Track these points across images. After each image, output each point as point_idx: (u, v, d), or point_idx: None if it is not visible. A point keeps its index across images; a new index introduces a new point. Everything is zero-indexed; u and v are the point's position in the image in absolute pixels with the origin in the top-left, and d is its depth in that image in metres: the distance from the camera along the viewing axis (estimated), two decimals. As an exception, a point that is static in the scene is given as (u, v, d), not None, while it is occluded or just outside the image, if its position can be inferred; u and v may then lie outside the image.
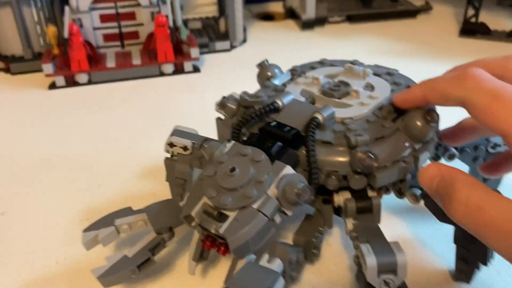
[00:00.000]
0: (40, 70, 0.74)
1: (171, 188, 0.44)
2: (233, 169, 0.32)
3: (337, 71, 0.43)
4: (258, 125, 0.37)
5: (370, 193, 0.36)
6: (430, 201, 0.37)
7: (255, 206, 0.31)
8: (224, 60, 0.83)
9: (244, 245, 0.31)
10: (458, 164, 0.41)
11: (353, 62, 0.44)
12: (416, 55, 0.83)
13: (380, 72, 0.42)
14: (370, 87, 0.40)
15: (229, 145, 0.34)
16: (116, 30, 0.78)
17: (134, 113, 0.66)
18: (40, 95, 0.72)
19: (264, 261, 0.32)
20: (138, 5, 0.77)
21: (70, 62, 0.73)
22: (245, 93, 0.39)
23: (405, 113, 0.35)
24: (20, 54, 0.79)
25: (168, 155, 0.42)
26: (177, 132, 0.42)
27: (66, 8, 0.71)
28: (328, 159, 0.34)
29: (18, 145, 0.60)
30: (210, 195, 0.32)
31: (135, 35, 0.80)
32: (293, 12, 1.00)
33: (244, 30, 0.90)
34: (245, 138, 0.36)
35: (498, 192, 0.30)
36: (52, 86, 0.74)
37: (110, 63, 0.75)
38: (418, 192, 0.37)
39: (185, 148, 0.41)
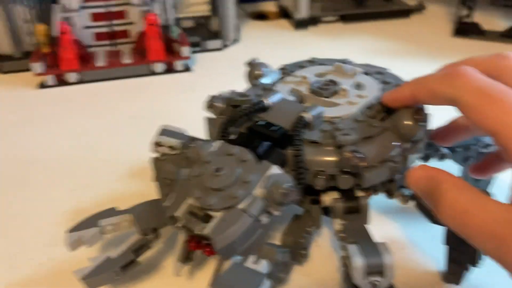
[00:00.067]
0: (29, 69, 0.73)
1: (158, 188, 0.43)
2: (219, 169, 0.31)
3: (326, 70, 0.42)
4: (245, 124, 0.36)
5: (358, 193, 0.35)
6: (420, 202, 0.37)
7: (241, 206, 0.31)
8: (216, 59, 0.83)
9: (229, 246, 0.30)
10: (450, 165, 0.40)
11: (343, 61, 0.44)
12: (409, 55, 0.82)
13: (370, 71, 0.42)
14: (359, 86, 0.40)
15: (215, 144, 0.34)
16: (106, 29, 0.78)
17: (124, 113, 0.65)
18: (30, 94, 0.72)
19: (250, 262, 0.31)
20: (129, 3, 0.76)
21: (60, 61, 0.72)
22: (233, 91, 0.39)
23: (394, 112, 0.35)
24: (9, 53, 0.78)
25: (155, 155, 0.42)
26: (164, 131, 0.42)
27: (56, 7, 0.70)
28: (316, 158, 0.34)
29: (6, 145, 0.59)
30: (196, 196, 0.31)
31: (126, 34, 0.79)
32: (287, 12, 0.99)
33: (237, 29, 0.90)
34: (232, 138, 0.36)
35: (487, 193, 0.30)
36: (42, 85, 0.73)
37: (101, 62, 0.74)
38: (408, 192, 0.36)
39: (172, 147, 0.41)
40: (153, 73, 0.76)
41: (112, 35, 0.79)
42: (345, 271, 0.32)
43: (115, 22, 0.77)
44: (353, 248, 0.30)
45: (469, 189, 0.26)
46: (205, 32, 0.88)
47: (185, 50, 0.76)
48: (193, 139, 0.39)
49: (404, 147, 0.34)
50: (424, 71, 0.32)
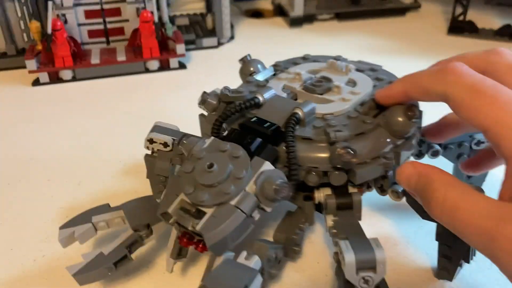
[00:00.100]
0: (23, 67, 0.73)
1: (151, 185, 0.43)
2: (211, 165, 0.31)
3: (319, 67, 0.42)
4: (238, 120, 0.36)
5: (351, 190, 0.35)
6: (412, 199, 0.37)
7: (233, 202, 0.30)
8: (211, 57, 0.83)
9: (221, 242, 0.30)
10: (443, 161, 0.40)
11: (336, 58, 0.44)
12: (404, 53, 0.82)
13: (363, 68, 0.42)
14: (352, 82, 0.40)
15: (208, 141, 0.34)
16: (101, 26, 0.77)
17: (118, 110, 0.65)
18: (24, 92, 0.71)
19: (242, 258, 0.31)
20: (123, 1, 0.76)
21: (54, 58, 0.72)
22: (226, 88, 0.39)
23: (387, 109, 0.35)
24: (3, 50, 0.78)
25: (148, 152, 0.42)
26: (157, 128, 0.41)
27: (50, 3, 0.70)
28: (308, 155, 0.34)
29: (0, 142, 0.59)
30: (188, 192, 0.31)
31: (120, 31, 0.79)
32: (282, 9, 0.99)
33: (232, 27, 0.90)
34: (225, 134, 0.36)
35: (479, 189, 0.30)
36: (36, 82, 0.73)
37: (95, 59, 0.74)
38: (400, 189, 0.36)
39: (165, 144, 0.40)
40: (148, 71, 0.76)
41: (106, 33, 0.78)
42: (337, 267, 0.32)
43: (109, 19, 0.77)
44: (345, 244, 0.30)
45: (459, 185, 0.26)
46: (200, 30, 0.87)
47: (180, 48, 0.76)
48: (185, 135, 0.39)
49: (396, 143, 0.34)
50: (419, 69, 0.32)
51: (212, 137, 0.34)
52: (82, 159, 0.54)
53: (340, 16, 0.98)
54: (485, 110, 0.25)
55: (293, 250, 0.37)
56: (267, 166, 0.32)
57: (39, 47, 0.74)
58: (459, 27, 0.89)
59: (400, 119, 0.33)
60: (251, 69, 0.43)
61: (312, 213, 0.37)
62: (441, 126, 0.37)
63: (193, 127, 0.43)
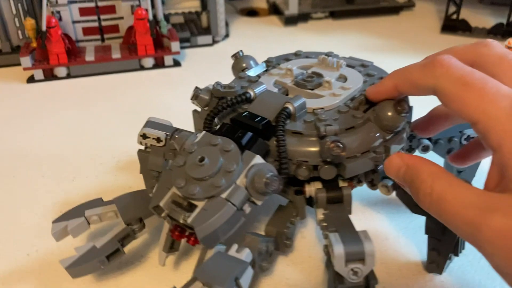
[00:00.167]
0: (18, 64, 0.73)
1: (145, 180, 0.43)
2: (202, 159, 0.32)
3: (311, 63, 0.43)
4: (230, 115, 0.37)
5: (341, 184, 0.36)
6: (402, 192, 0.37)
7: (223, 195, 0.31)
8: (206, 55, 0.83)
9: (212, 235, 0.30)
10: (434, 157, 0.41)
11: (328, 54, 0.44)
12: (398, 51, 0.83)
13: (354, 64, 0.42)
14: (343, 78, 0.40)
15: (199, 135, 0.34)
16: (95, 24, 0.78)
17: (113, 107, 0.66)
18: (18, 89, 0.71)
19: (233, 251, 0.32)
20: (118, -2, 0.77)
21: (49, 55, 0.72)
22: (218, 83, 0.39)
23: (377, 103, 0.35)
24: (-2, 47, 0.78)
25: (142, 147, 0.42)
26: (150, 123, 0.42)
27: (44, 1, 0.70)
28: (299, 149, 0.34)
29: (-7, 138, 0.59)
30: (179, 185, 0.31)
31: (115, 28, 0.79)
32: (277, 8, 0.99)
33: (227, 25, 0.90)
34: (216, 128, 0.36)
35: (467, 180, 0.31)
36: (31, 79, 0.73)
37: (89, 56, 0.74)
38: (390, 183, 0.37)
39: (158, 139, 0.41)
40: (143, 68, 0.76)
41: (101, 30, 0.78)
42: (327, 259, 0.33)
43: (104, 16, 0.77)
44: (334, 236, 0.31)
45: (445, 176, 0.26)
46: (195, 28, 0.88)
47: (175, 45, 0.76)
48: (178, 130, 0.40)
49: (386, 138, 0.35)
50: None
51: (204, 132, 0.34)
52: (76, 155, 0.55)
53: (335, 15, 0.99)
54: (474, 103, 0.25)
55: (285, 244, 0.37)
56: (258, 159, 0.32)
57: (34, 44, 0.74)
58: (453, 25, 0.90)
59: (389, 113, 0.34)
60: (243, 65, 0.43)
61: (303, 207, 0.37)
62: (430, 119, 0.37)
63: (187, 124, 0.43)
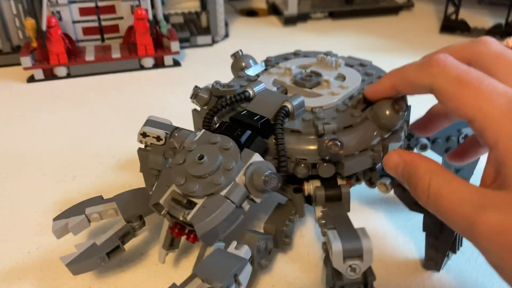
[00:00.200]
0: (18, 64, 0.73)
1: (145, 178, 0.43)
2: (201, 157, 0.32)
3: (310, 62, 0.43)
4: (229, 114, 0.37)
5: (340, 182, 0.36)
6: (400, 191, 0.38)
7: (222, 193, 0.31)
8: (206, 55, 0.83)
9: (211, 232, 0.31)
10: (432, 156, 0.41)
11: (326, 53, 0.44)
12: (397, 51, 0.83)
13: (353, 63, 0.43)
14: (341, 77, 0.40)
15: (199, 133, 0.34)
16: (95, 24, 0.78)
17: (113, 107, 0.66)
18: (19, 89, 0.72)
19: (232, 248, 0.32)
20: (118, -2, 0.77)
21: (49, 55, 0.72)
22: (217, 82, 0.39)
23: (375, 102, 0.35)
24: (-1, 47, 0.78)
25: (142, 146, 0.42)
26: (150, 122, 0.42)
27: (44, 1, 0.70)
28: (297, 147, 0.34)
29: (-6, 137, 0.59)
30: (179, 183, 0.32)
31: (115, 28, 0.79)
32: (276, 8, 1.00)
33: (226, 25, 0.90)
34: (216, 127, 0.36)
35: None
36: (31, 79, 0.73)
37: (89, 56, 0.74)
38: (388, 181, 0.37)
39: (158, 138, 0.41)
40: (142, 68, 0.77)
41: (101, 30, 0.79)
42: (326, 256, 0.33)
43: (104, 16, 0.78)
44: (332, 233, 0.31)
45: (442, 173, 0.26)
46: (195, 28, 0.88)
47: (174, 45, 0.76)
48: (178, 129, 0.40)
49: (384, 136, 0.35)
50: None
51: (203, 130, 0.35)
52: (77, 154, 0.55)
53: (334, 15, 0.99)
54: (470, 101, 0.26)
55: (284, 242, 0.37)
56: (257, 157, 0.32)
57: (34, 44, 0.74)
58: (451, 26, 0.90)
59: (387, 112, 0.34)
60: (243, 64, 0.43)
61: (302, 205, 0.37)
62: (428, 118, 0.37)
63: (186, 124, 0.43)
